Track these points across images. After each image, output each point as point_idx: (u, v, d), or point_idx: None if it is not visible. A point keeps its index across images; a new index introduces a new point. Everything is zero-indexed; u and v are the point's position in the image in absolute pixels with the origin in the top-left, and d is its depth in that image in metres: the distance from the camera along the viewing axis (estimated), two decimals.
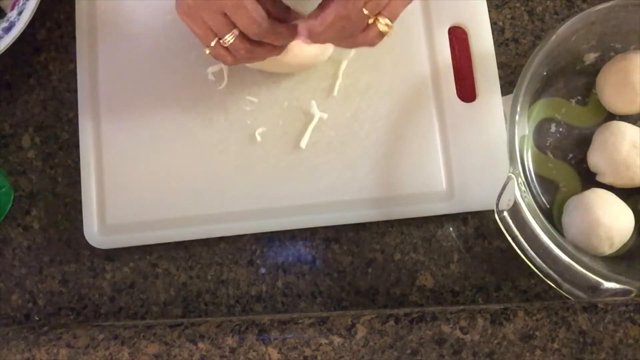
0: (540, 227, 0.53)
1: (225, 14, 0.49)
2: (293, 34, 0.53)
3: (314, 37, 0.52)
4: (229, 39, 0.51)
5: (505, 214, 0.54)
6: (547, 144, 0.62)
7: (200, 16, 0.50)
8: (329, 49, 0.60)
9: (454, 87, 0.62)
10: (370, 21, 0.51)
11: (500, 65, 0.63)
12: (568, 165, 0.62)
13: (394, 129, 0.62)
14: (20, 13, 0.61)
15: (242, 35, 0.51)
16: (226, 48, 0.52)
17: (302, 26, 0.52)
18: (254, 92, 0.63)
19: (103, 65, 0.64)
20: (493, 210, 0.54)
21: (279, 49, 0.55)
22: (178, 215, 0.61)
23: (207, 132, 0.62)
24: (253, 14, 0.49)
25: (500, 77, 0.62)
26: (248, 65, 0.59)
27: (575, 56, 0.62)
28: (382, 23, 0.51)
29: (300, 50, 0.57)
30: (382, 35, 0.52)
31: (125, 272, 0.63)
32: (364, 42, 0.53)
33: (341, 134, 0.62)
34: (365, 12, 0.49)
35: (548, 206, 0.61)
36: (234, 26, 0.50)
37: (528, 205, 0.54)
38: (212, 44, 0.51)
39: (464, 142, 0.61)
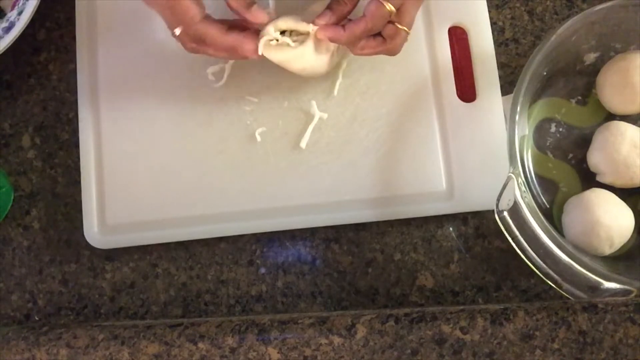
0: (540, 227, 0.53)
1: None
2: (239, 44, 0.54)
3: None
4: (177, 31, 0.53)
5: (505, 214, 0.54)
6: (547, 144, 0.62)
7: (155, 6, 0.53)
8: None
9: (454, 87, 0.62)
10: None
11: (500, 65, 0.63)
12: (568, 165, 0.62)
13: (394, 129, 0.61)
14: (20, 13, 0.61)
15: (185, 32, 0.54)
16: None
17: (324, 32, 0.54)
18: (254, 92, 0.63)
19: (103, 65, 0.64)
20: (493, 210, 0.54)
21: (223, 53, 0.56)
22: (178, 215, 0.61)
23: (207, 132, 0.62)
24: (187, 15, 0.52)
25: (500, 77, 0.62)
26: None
27: (575, 56, 0.62)
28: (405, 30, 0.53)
29: (312, 65, 0.57)
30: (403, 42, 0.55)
31: (125, 272, 0.63)
32: (389, 51, 0.55)
33: (341, 134, 0.62)
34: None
35: (548, 206, 0.61)
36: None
37: (528, 205, 0.54)
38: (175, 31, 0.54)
39: (464, 142, 0.61)
